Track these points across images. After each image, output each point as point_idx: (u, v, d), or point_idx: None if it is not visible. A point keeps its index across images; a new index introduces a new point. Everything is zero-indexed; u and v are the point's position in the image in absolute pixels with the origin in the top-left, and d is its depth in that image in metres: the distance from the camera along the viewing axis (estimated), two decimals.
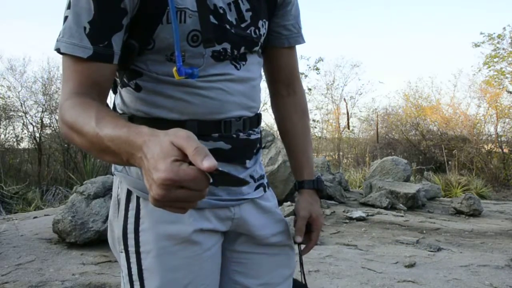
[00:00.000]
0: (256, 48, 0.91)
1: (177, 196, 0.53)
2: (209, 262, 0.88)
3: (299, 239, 1.01)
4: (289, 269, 1.00)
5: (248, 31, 0.87)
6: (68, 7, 0.74)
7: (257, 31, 0.89)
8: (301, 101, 1.09)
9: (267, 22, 0.93)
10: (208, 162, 0.51)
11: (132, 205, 0.86)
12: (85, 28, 0.73)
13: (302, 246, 1.04)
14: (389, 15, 24.62)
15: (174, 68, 0.74)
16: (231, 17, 0.84)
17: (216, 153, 0.74)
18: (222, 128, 0.85)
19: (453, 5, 23.96)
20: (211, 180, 0.55)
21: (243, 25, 0.86)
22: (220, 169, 0.54)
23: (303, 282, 1.04)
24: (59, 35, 0.75)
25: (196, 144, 0.53)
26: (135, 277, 0.84)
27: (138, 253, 0.84)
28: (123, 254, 0.86)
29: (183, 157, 0.53)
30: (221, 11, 0.82)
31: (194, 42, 0.80)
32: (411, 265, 3.10)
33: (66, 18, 0.74)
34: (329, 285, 2.66)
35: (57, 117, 9.78)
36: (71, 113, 0.71)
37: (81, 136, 0.68)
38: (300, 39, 1.02)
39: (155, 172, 0.53)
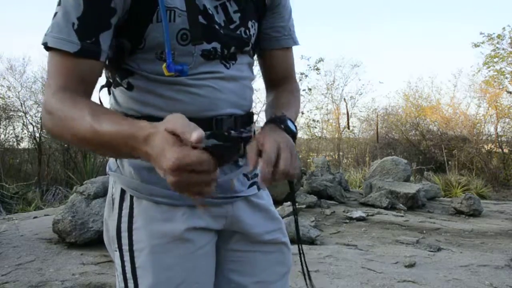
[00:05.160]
0: (247, 49, 0.91)
1: (189, 180, 0.59)
2: (203, 260, 0.88)
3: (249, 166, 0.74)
4: (285, 267, 0.99)
5: (238, 32, 0.88)
6: (59, 3, 0.75)
7: (247, 31, 0.90)
8: (294, 91, 1.04)
9: (256, 23, 0.93)
10: (196, 134, 0.57)
11: (126, 204, 0.87)
12: (73, 23, 0.73)
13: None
14: (389, 15, 24.64)
15: (164, 65, 0.76)
16: (219, 19, 0.85)
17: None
18: (214, 126, 0.85)
19: (453, 5, 23.97)
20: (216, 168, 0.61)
21: (232, 27, 0.87)
22: (212, 143, 0.62)
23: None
24: (47, 30, 0.75)
25: (181, 123, 0.59)
26: (129, 275, 0.85)
27: (131, 251, 0.85)
28: (117, 253, 0.87)
29: (180, 139, 0.59)
30: (210, 11, 0.83)
31: (183, 41, 0.80)
32: (411, 265, 3.09)
33: (55, 14, 0.75)
34: (329, 285, 2.66)
35: None
36: (62, 108, 0.71)
37: (74, 132, 0.69)
38: (290, 41, 1.00)
39: (164, 160, 0.58)
